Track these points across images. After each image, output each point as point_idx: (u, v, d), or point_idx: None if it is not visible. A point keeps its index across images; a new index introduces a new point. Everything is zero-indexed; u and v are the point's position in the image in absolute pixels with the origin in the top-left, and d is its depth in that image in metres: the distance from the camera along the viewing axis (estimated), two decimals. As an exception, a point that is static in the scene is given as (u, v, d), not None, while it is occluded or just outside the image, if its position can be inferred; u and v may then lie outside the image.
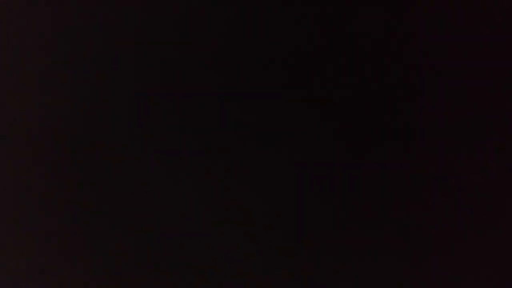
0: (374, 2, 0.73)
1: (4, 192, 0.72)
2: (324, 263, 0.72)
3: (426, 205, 0.72)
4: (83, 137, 0.73)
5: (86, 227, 0.72)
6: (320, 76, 0.73)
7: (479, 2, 0.74)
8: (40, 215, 0.72)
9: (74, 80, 0.73)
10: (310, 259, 0.72)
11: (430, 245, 0.72)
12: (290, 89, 0.73)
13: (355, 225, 0.72)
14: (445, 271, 0.72)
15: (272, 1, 0.73)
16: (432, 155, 0.73)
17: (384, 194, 0.72)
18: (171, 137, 0.73)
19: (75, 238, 0.72)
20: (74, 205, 0.72)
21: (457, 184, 0.72)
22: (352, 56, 0.73)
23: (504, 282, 0.72)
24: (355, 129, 0.73)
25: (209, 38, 0.73)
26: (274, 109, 0.73)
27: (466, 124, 0.73)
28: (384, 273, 0.72)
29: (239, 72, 0.73)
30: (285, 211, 0.72)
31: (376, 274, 0.72)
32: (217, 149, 0.73)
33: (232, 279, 0.72)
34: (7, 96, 0.73)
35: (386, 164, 0.72)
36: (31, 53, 0.74)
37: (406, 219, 0.72)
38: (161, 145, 0.73)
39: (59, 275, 0.72)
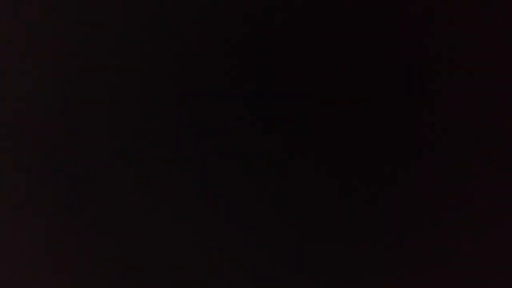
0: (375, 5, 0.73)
1: (3, 192, 0.73)
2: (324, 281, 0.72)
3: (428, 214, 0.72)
4: (81, 137, 0.73)
5: (84, 227, 0.72)
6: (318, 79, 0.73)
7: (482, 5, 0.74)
8: (39, 215, 0.72)
9: (73, 80, 0.73)
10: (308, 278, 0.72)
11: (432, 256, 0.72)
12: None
13: (354, 238, 0.72)
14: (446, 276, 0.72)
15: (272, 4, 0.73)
16: (437, 162, 0.72)
17: (383, 199, 0.72)
18: (169, 137, 0.73)
19: (74, 238, 0.72)
20: (73, 205, 0.73)
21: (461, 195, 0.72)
22: (351, 67, 0.73)
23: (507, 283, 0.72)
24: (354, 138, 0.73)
25: (208, 39, 0.73)
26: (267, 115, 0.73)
27: (468, 128, 0.73)
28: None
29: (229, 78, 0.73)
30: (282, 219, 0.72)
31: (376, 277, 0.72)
32: (209, 157, 0.73)
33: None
34: (6, 96, 0.73)
35: (386, 167, 0.72)
36: (30, 53, 0.74)
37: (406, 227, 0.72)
38: (159, 145, 0.73)
39: (57, 274, 0.72)
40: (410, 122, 0.73)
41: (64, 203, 0.73)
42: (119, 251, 0.72)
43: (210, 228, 0.72)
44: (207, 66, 0.73)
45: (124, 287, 0.72)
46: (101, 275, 0.72)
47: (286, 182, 0.72)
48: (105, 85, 0.73)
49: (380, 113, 0.73)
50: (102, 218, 0.72)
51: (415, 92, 0.73)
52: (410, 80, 0.73)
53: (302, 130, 0.72)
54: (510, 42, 0.73)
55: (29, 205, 0.73)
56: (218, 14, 0.73)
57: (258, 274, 0.72)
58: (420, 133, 0.72)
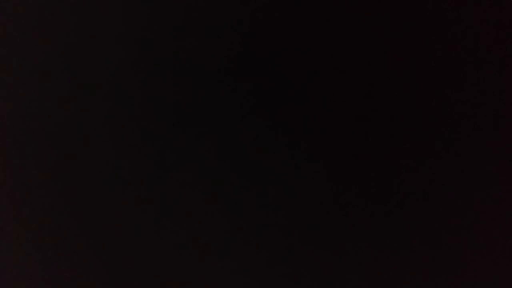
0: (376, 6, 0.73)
1: (3, 192, 0.73)
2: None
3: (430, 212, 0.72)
4: (81, 138, 0.73)
5: (84, 227, 0.72)
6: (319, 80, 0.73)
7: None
8: (39, 215, 0.73)
9: (72, 81, 0.74)
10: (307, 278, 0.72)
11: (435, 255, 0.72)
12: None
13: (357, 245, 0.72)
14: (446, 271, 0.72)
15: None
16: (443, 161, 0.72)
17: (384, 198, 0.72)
18: (170, 138, 0.73)
19: (74, 238, 0.72)
20: (72, 205, 0.73)
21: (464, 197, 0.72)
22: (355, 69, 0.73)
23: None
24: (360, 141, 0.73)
25: (213, 40, 0.73)
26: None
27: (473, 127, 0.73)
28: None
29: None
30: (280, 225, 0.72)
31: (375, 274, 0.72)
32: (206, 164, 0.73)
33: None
34: (6, 95, 0.74)
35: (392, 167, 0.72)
36: (30, 53, 0.74)
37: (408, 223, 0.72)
38: (159, 146, 0.73)
39: (57, 274, 0.72)
40: (412, 126, 0.73)
41: (63, 205, 0.73)
42: (119, 254, 0.72)
43: (210, 230, 0.72)
44: (208, 67, 0.73)
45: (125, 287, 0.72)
46: (100, 276, 0.72)
47: (288, 184, 0.72)
48: (105, 85, 0.73)
49: (382, 115, 0.73)
50: (102, 219, 0.72)
51: (417, 93, 0.73)
52: (412, 80, 0.73)
53: (304, 132, 0.72)
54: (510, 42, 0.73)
55: (29, 206, 0.73)
56: (219, 13, 0.74)
57: (259, 277, 0.72)
58: (423, 135, 0.72)
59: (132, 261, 0.72)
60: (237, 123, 0.72)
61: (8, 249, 0.72)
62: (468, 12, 0.73)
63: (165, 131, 0.73)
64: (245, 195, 0.72)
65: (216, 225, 0.72)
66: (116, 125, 0.73)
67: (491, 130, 0.72)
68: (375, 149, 0.72)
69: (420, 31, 0.73)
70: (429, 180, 0.72)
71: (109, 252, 0.72)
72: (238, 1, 0.73)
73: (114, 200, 0.72)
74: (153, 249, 0.72)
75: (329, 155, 0.72)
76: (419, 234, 0.72)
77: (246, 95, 0.73)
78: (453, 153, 0.72)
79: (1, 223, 0.73)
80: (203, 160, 0.72)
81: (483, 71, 0.73)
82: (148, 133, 0.73)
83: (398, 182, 0.72)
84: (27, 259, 0.72)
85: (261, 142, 0.72)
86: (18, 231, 0.72)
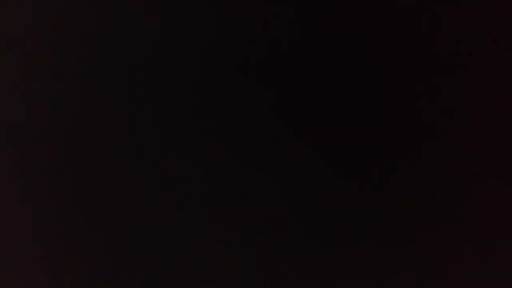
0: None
1: (3, 191, 0.73)
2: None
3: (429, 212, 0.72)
4: (81, 138, 0.73)
5: (83, 227, 0.72)
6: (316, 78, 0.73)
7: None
8: (38, 215, 0.72)
9: (72, 81, 0.73)
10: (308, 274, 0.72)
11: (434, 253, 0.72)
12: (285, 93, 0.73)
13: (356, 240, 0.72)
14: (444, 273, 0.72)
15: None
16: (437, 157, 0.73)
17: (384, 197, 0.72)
18: (167, 139, 0.73)
19: (73, 237, 0.72)
20: (71, 205, 0.72)
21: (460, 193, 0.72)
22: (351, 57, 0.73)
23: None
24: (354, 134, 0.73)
25: (205, 41, 0.73)
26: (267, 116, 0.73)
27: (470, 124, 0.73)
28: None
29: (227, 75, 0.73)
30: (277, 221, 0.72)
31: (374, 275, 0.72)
32: (204, 155, 0.73)
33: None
34: (7, 96, 0.73)
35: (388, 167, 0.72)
36: (30, 53, 0.74)
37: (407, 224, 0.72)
38: (155, 147, 0.73)
39: (56, 274, 0.72)
40: (411, 121, 0.73)
41: (69, 204, 0.72)
42: (123, 251, 0.72)
43: (215, 227, 0.72)
44: (212, 67, 0.73)
45: (129, 286, 0.72)
46: (104, 275, 0.72)
47: (291, 181, 0.72)
48: (112, 85, 0.73)
49: (382, 112, 0.73)
50: (106, 217, 0.72)
51: (417, 91, 0.73)
52: (411, 78, 0.73)
53: (304, 129, 0.73)
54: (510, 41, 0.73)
55: (34, 205, 0.73)
56: (224, 17, 0.73)
57: (264, 273, 0.72)
58: (422, 131, 0.73)
59: (137, 260, 0.72)
60: (240, 121, 0.72)
61: (12, 248, 0.72)
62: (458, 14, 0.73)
63: (170, 129, 0.73)
64: (247, 193, 0.72)
65: (217, 224, 0.72)
66: (121, 122, 0.73)
67: (489, 127, 0.73)
68: (374, 147, 0.72)
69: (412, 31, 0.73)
70: (424, 178, 0.72)
71: (114, 250, 0.72)
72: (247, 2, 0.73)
73: (119, 199, 0.72)
74: (158, 247, 0.72)
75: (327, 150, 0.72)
76: (417, 231, 0.72)
77: (250, 93, 0.73)
78: (448, 149, 0.73)
79: (4, 223, 0.72)
80: (205, 160, 0.72)
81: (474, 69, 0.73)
82: (155, 131, 0.73)
83: (396, 178, 0.72)
84: (30, 258, 0.72)
85: (263, 140, 0.72)
86: (19, 231, 0.72)
